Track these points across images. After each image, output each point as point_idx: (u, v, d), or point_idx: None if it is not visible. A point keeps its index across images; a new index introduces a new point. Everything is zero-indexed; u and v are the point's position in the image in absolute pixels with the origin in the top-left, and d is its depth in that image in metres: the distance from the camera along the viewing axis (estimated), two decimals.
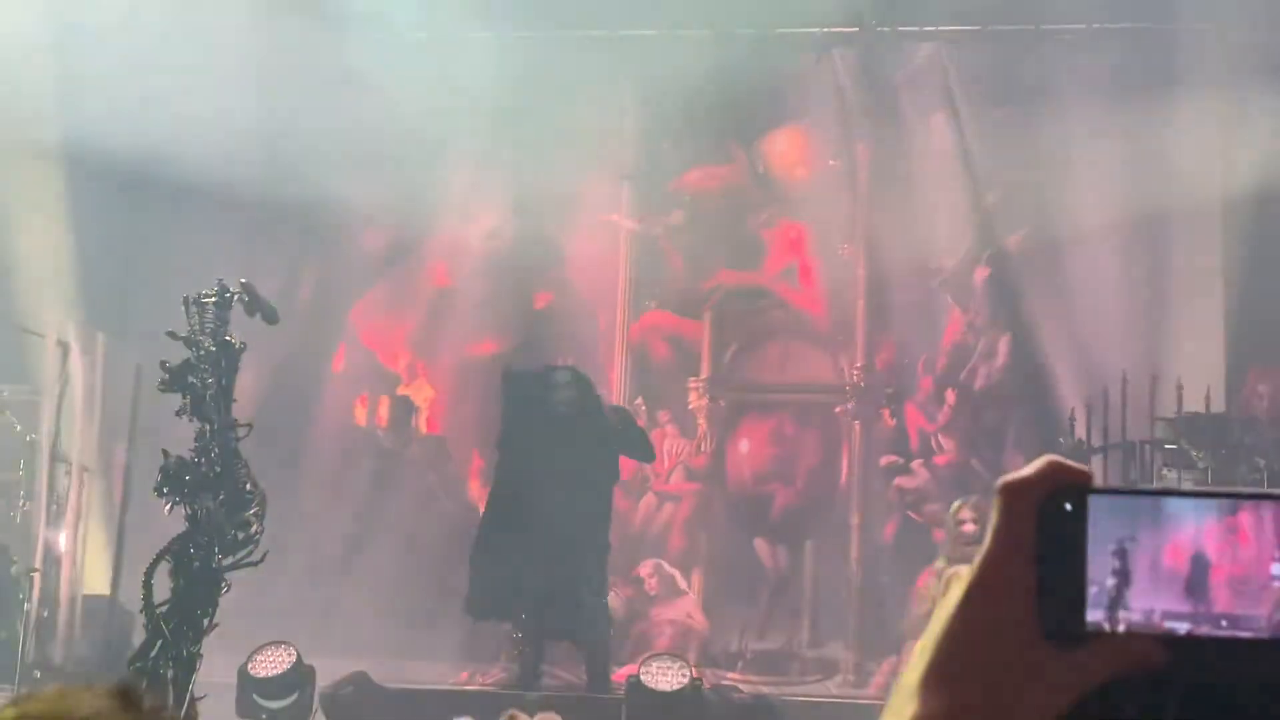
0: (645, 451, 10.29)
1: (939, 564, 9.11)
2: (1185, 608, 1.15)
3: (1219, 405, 10.07)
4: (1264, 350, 10.81)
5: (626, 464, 11.59)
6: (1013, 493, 1.16)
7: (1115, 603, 1.14)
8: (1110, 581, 1.15)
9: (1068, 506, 1.16)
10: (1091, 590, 1.14)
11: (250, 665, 8.85)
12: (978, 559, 1.16)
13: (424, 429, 12.01)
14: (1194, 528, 1.16)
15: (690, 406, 11.72)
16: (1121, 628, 1.14)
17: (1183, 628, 1.14)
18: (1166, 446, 9.74)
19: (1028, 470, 1.17)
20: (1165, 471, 9.63)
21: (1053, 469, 1.17)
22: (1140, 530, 1.16)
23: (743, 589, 11.37)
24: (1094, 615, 1.13)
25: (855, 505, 11.39)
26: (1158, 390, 9.99)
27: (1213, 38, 10.83)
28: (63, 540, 10.25)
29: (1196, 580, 1.15)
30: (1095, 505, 1.17)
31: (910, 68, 11.66)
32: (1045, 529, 1.16)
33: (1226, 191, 10.85)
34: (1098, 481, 1.17)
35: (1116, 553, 1.15)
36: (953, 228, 11.58)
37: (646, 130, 11.96)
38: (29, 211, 10.92)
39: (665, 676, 9.12)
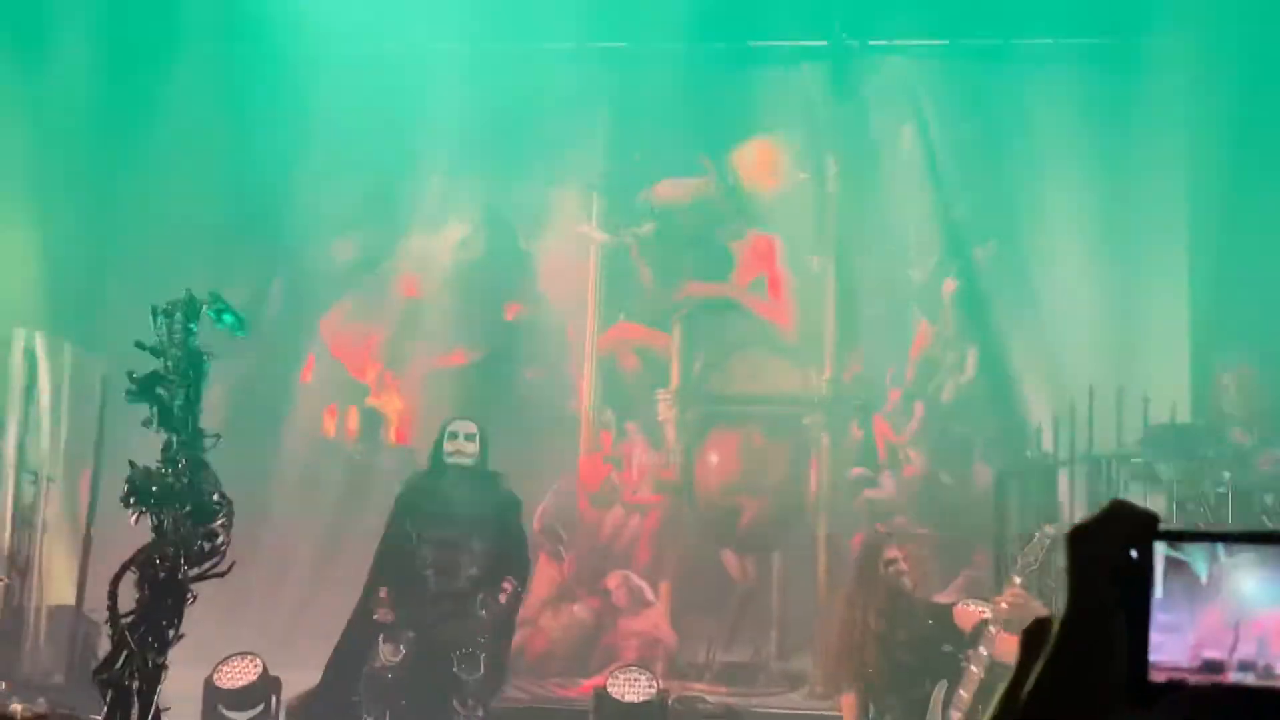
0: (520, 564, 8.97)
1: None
2: (1249, 655, 1.09)
3: (1185, 418, 10.13)
4: (1228, 358, 10.87)
5: (592, 474, 11.63)
6: (1081, 542, 1.11)
7: (1179, 653, 1.08)
8: (1172, 633, 1.09)
9: (1133, 554, 1.10)
10: (1154, 639, 1.08)
11: (216, 676, 8.83)
12: (1062, 616, 1.11)
13: (393, 440, 11.99)
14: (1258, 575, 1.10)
15: (659, 418, 11.72)
16: (1186, 679, 1.08)
17: (1249, 679, 1.08)
18: (1132, 460, 9.79)
19: (1094, 516, 1.12)
20: (1130, 486, 9.66)
21: (1118, 512, 1.11)
22: (1199, 579, 1.09)
23: (711, 601, 11.36)
24: (1157, 673, 1.07)
25: (823, 517, 11.41)
26: (1124, 403, 10.03)
27: (1180, 51, 10.87)
28: (28, 550, 10.20)
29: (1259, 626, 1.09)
30: (1161, 549, 1.10)
31: (879, 81, 11.69)
32: (1117, 579, 1.10)
33: (1193, 202, 10.89)
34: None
35: (1179, 602, 1.08)
36: (921, 240, 11.62)
37: (617, 142, 11.97)
38: None
39: (632, 688, 9.13)
